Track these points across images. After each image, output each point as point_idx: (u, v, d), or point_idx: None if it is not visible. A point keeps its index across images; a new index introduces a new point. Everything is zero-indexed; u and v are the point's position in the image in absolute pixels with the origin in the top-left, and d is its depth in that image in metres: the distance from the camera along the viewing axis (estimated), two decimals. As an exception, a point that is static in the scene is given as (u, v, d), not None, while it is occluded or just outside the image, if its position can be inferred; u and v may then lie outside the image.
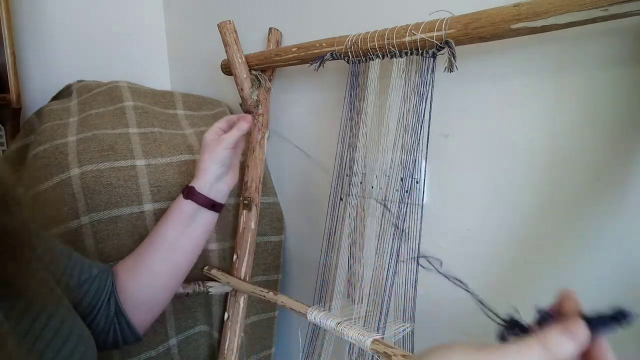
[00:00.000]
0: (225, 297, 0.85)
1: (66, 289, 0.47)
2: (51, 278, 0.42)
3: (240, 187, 0.86)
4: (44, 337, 0.36)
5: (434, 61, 0.56)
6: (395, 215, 0.60)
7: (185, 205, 0.56)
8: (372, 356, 0.59)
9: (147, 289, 0.56)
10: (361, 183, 0.67)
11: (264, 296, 0.74)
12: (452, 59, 0.52)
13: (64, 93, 0.96)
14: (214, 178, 0.58)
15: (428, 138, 0.58)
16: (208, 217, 0.58)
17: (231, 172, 0.63)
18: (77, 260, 0.52)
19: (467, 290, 0.48)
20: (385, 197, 0.62)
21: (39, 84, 1.00)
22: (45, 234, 0.49)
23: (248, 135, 0.70)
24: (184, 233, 0.56)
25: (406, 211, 0.60)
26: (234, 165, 0.63)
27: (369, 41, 0.60)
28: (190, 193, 0.57)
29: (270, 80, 0.85)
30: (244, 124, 0.60)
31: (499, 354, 0.28)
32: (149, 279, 0.55)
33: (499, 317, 0.37)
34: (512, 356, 0.27)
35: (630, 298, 0.51)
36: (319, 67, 0.68)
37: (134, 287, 0.55)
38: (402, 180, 0.60)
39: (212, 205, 0.58)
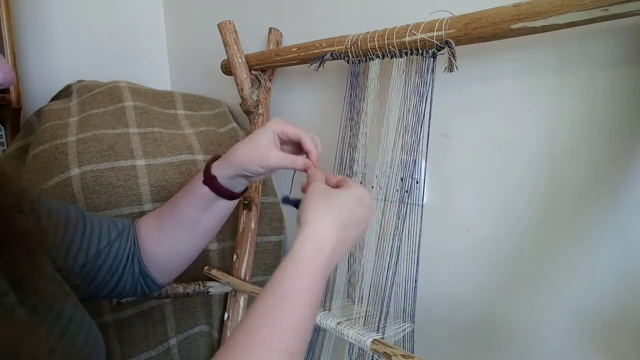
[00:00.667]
0: (225, 297, 0.85)
1: (80, 268, 0.48)
2: (58, 273, 0.43)
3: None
4: (54, 335, 0.36)
5: (434, 61, 0.56)
6: (395, 215, 0.60)
7: (202, 190, 0.54)
8: (372, 356, 0.59)
9: (168, 256, 0.57)
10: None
11: (264, 296, 0.74)
12: (452, 59, 0.52)
13: (64, 93, 0.96)
14: (234, 176, 0.54)
15: (428, 138, 0.58)
16: (222, 205, 0.57)
17: (260, 176, 0.58)
18: (94, 226, 0.52)
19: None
20: (385, 197, 0.62)
21: (39, 84, 1.00)
22: (58, 206, 0.49)
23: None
24: (204, 213, 0.56)
25: (406, 211, 0.60)
26: (266, 173, 0.58)
27: (369, 41, 0.60)
28: (210, 181, 0.54)
29: (270, 80, 0.85)
30: (300, 164, 0.54)
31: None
32: (171, 248, 0.57)
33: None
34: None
35: (630, 296, 0.51)
36: (319, 67, 0.67)
37: (157, 252, 0.56)
38: (402, 180, 0.60)
39: (232, 197, 0.56)
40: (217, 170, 0.54)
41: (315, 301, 0.39)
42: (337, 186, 0.48)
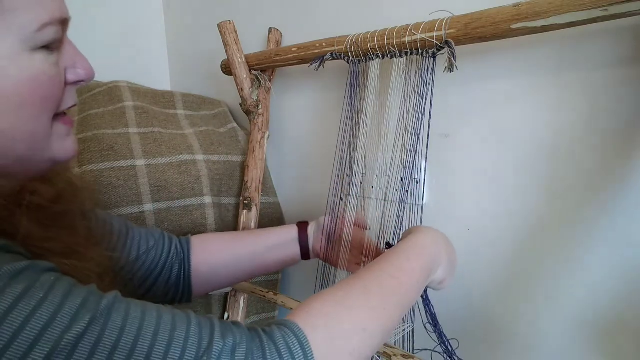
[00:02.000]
0: (225, 297, 0.85)
1: (120, 270, 0.52)
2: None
3: (240, 187, 0.86)
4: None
5: (434, 61, 0.56)
6: (395, 215, 0.60)
7: (291, 229, 0.66)
8: (372, 356, 0.59)
9: (220, 263, 0.62)
10: (361, 183, 0.67)
11: (264, 296, 0.74)
12: (452, 58, 0.52)
13: (64, 93, 0.96)
14: (318, 233, 0.66)
15: (428, 138, 0.58)
16: (293, 250, 0.66)
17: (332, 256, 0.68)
18: (135, 234, 0.56)
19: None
20: (385, 197, 0.62)
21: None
22: (104, 216, 0.53)
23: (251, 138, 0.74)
24: (273, 249, 0.65)
25: (406, 211, 0.60)
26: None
27: (369, 41, 0.60)
28: (301, 225, 0.67)
29: (270, 80, 0.85)
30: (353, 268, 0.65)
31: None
32: (229, 257, 0.62)
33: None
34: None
35: (630, 296, 0.51)
36: (319, 67, 0.67)
37: (216, 258, 0.62)
38: (402, 180, 0.60)
39: (304, 245, 0.66)
40: (311, 226, 0.67)
41: (414, 286, 0.43)
42: None
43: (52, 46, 0.34)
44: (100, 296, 0.30)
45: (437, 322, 0.56)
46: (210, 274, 0.62)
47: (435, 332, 0.56)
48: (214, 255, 0.62)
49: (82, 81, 0.38)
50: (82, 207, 0.42)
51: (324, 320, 0.36)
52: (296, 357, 0.32)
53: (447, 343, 0.56)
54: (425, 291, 0.55)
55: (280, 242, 0.65)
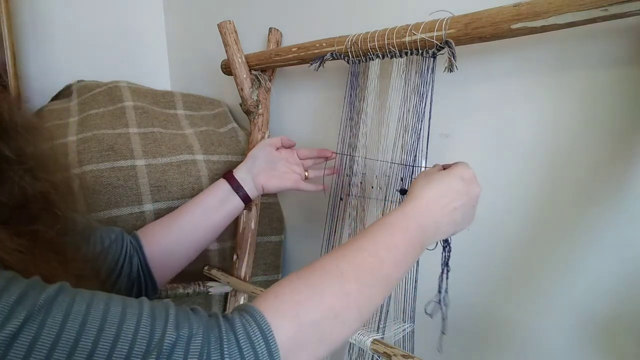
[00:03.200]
0: (225, 297, 0.85)
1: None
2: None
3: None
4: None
5: (434, 61, 0.56)
6: (395, 215, 0.60)
7: (221, 185, 0.67)
8: (372, 356, 0.59)
9: (174, 246, 0.63)
10: (361, 183, 0.67)
11: (264, 296, 0.74)
12: (452, 59, 0.52)
13: (64, 93, 0.96)
14: (246, 169, 0.68)
15: (428, 138, 0.58)
16: (234, 203, 0.67)
17: (273, 176, 0.69)
18: (97, 228, 0.57)
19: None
20: (385, 197, 0.62)
21: (39, 84, 1.00)
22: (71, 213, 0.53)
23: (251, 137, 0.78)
24: (213, 210, 0.65)
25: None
26: (281, 174, 0.70)
27: (369, 41, 0.60)
28: (227, 175, 0.67)
29: (270, 80, 0.85)
30: (286, 141, 0.71)
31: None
32: (175, 238, 0.63)
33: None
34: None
35: (630, 296, 0.51)
36: (319, 67, 0.67)
37: (161, 243, 0.62)
38: (402, 180, 0.60)
39: (242, 194, 0.67)
40: (237, 173, 0.67)
41: (400, 262, 0.41)
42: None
43: None
44: (40, 289, 0.28)
45: (448, 269, 0.56)
46: (166, 258, 0.62)
47: (440, 279, 0.56)
48: (160, 241, 0.62)
49: None
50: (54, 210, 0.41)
51: (292, 307, 0.33)
52: (257, 349, 0.30)
53: (443, 295, 0.56)
54: (447, 241, 0.55)
55: (216, 203, 0.65)
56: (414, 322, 0.61)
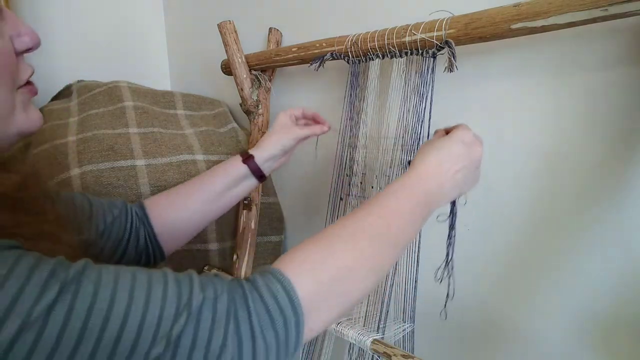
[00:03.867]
0: (225, 297, 0.85)
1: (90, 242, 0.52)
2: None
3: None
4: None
5: (434, 61, 0.56)
6: (395, 215, 0.60)
7: (240, 168, 0.64)
8: (372, 356, 0.59)
9: (182, 222, 0.62)
10: (361, 183, 0.67)
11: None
12: (452, 59, 0.52)
13: (64, 93, 0.96)
14: (271, 156, 0.66)
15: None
16: (251, 184, 0.66)
17: (286, 156, 0.69)
18: (98, 206, 0.56)
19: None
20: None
21: (39, 84, 1.00)
22: (65, 195, 0.52)
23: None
24: (229, 190, 0.64)
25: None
26: (292, 150, 0.69)
27: (369, 41, 0.60)
28: (248, 159, 0.65)
29: (270, 80, 0.85)
30: (318, 130, 0.67)
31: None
32: (188, 215, 0.62)
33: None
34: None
35: (630, 296, 0.51)
36: (319, 67, 0.68)
37: (173, 216, 0.61)
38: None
39: (260, 176, 0.65)
40: (254, 152, 0.65)
41: (407, 227, 0.42)
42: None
43: None
44: (68, 265, 0.29)
45: (455, 230, 0.56)
46: (173, 230, 0.62)
47: (448, 242, 0.57)
48: (169, 215, 0.61)
49: (30, 49, 0.37)
50: (46, 190, 0.42)
51: (308, 265, 0.35)
52: (281, 302, 0.32)
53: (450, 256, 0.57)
54: (454, 203, 0.55)
55: (232, 184, 0.64)
56: (414, 322, 0.61)
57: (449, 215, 0.56)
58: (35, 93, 0.39)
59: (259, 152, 0.65)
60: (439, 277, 0.57)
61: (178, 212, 0.62)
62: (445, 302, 0.58)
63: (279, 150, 0.65)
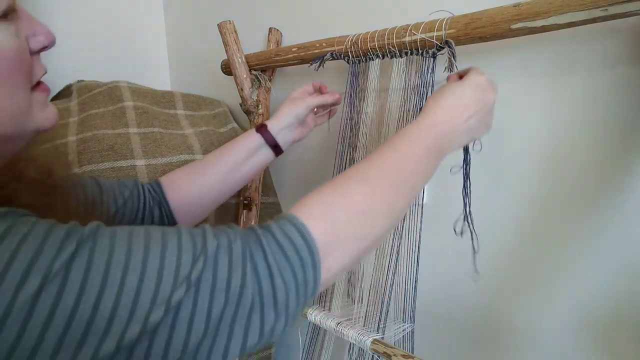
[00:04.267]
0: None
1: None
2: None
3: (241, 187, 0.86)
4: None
5: (434, 61, 0.56)
6: (395, 215, 0.60)
7: (253, 137, 0.64)
8: (372, 356, 0.59)
9: (200, 197, 0.62)
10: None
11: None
12: (452, 58, 0.52)
13: (64, 93, 0.96)
14: (285, 125, 0.65)
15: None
16: (266, 155, 0.65)
17: (301, 128, 0.68)
18: (108, 188, 0.56)
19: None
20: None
21: (39, 84, 1.00)
22: (73, 179, 0.52)
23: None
24: (245, 161, 0.64)
25: (406, 211, 0.59)
26: (308, 124, 0.69)
27: (369, 41, 0.60)
28: (261, 128, 0.64)
29: (270, 80, 0.85)
30: (330, 98, 0.66)
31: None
32: (205, 189, 0.62)
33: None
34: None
35: (630, 296, 0.51)
36: (319, 67, 0.68)
37: (190, 191, 0.61)
38: (402, 180, 0.60)
39: (275, 146, 0.65)
40: (269, 123, 0.65)
41: (420, 170, 0.43)
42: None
43: (7, 17, 0.33)
44: (82, 227, 0.30)
45: (470, 180, 0.55)
46: (191, 207, 0.61)
47: (464, 192, 0.56)
48: (187, 190, 0.61)
49: (46, 47, 0.38)
50: (65, 177, 0.42)
51: (321, 207, 0.35)
52: (296, 242, 0.32)
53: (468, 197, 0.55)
54: (467, 151, 0.55)
55: (248, 154, 0.64)
56: (414, 322, 0.61)
57: (463, 165, 0.55)
58: (48, 91, 0.40)
59: (272, 121, 0.65)
60: (459, 231, 0.56)
61: (194, 187, 0.61)
62: (474, 259, 0.57)
63: (293, 118, 0.64)
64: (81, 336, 0.25)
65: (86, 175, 0.71)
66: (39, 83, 0.38)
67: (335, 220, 0.35)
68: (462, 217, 0.56)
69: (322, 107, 0.69)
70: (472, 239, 0.56)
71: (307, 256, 0.33)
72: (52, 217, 0.31)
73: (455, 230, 0.57)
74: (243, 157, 0.63)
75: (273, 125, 0.64)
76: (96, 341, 0.26)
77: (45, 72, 0.39)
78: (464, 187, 0.56)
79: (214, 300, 0.29)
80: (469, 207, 0.56)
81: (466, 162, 0.55)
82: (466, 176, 0.55)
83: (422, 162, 0.43)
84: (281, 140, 0.65)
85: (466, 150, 0.55)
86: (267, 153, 0.65)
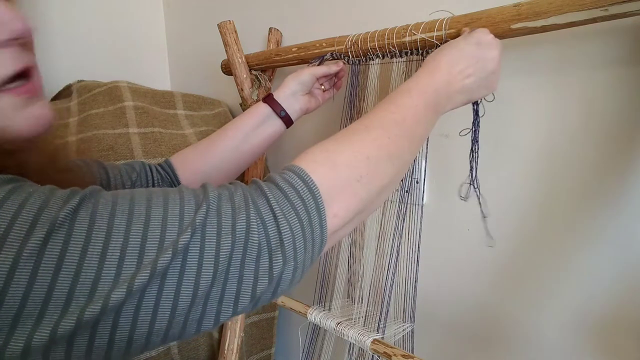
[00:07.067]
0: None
1: None
2: None
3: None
4: None
5: (434, 61, 0.56)
6: (395, 215, 0.60)
7: (261, 107, 0.64)
8: (372, 356, 0.59)
9: (213, 171, 0.62)
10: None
11: (264, 296, 0.74)
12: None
13: (64, 93, 0.96)
14: (290, 92, 0.64)
15: (428, 138, 0.58)
16: (275, 125, 0.65)
17: (308, 97, 0.67)
18: (115, 172, 0.55)
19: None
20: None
21: (39, 84, 1.00)
22: (78, 162, 0.52)
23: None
24: (255, 132, 0.64)
25: (406, 211, 0.60)
26: (315, 95, 0.68)
27: (369, 41, 0.60)
28: (267, 97, 0.64)
29: (270, 80, 0.85)
30: (334, 67, 0.65)
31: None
32: (217, 162, 0.62)
33: None
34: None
35: (630, 295, 0.51)
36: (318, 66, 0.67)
37: (202, 167, 0.61)
38: (402, 180, 0.60)
39: (282, 113, 0.64)
40: (274, 93, 0.64)
41: (421, 121, 0.42)
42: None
43: None
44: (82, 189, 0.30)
45: (478, 144, 0.55)
46: (202, 180, 0.60)
47: (471, 156, 0.55)
48: (198, 167, 0.61)
49: (16, 39, 0.33)
50: (71, 161, 0.42)
51: (324, 154, 0.36)
52: (298, 188, 0.32)
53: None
54: (476, 105, 0.54)
55: (256, 124, 0.64)
56: (414, 322, 0.61)
57: (472, 128, 0.54)
58: (33, 92, 0.36)
59: (278, 90, 0.65)
60: (464, 196, 0.56)
61: (206, 160, 0.61)
62: (486, 229, 0.57)
63: (297, 84, 0.64)
64: (92, 284, 0.26)
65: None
66: (19, 79, 0.34)
67: (338, 164, 0.35)
68: (468, 181, 0.56)
69: (327, 77, 0.68)
70: (479, 203, 0.56)
71: (310, 199, 0.32)
72: None
73: (460, 196, 0.57)
74: (251, 127, 0.63)
75: (279, 93, 0.64)
76: (107, 289, 0.26)
77: (26, 68, 0.34)
78: (472, 150, 0.55)
79: (220, 243, 0.29)
80: (476, 171, 0.55)
81: (475, 124, 0.54)
82: (474, 140, 0.55)
83: (422, 114, 0.42)
84: (289, 108, 0.64)
85: (476, 112, 0.54)
86: (276, 123, 0.64)
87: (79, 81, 0.97)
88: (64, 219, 0.26)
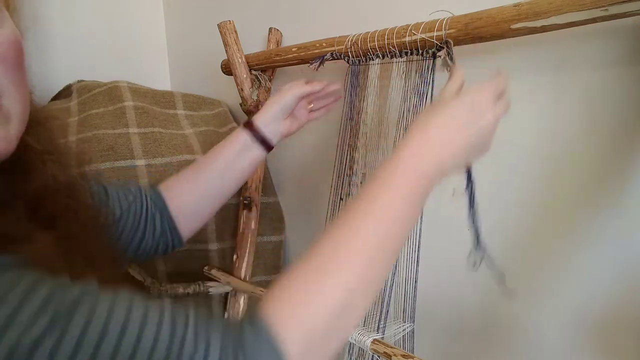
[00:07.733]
0: (225, 297, 0.85)
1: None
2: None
3: (240, 187, 0.86)
4: None
5: (433, 61, 0.56)
6: (395, 215, 0.60)
7: (240, 136, 0.63)
8: (372, 356, 0.59)
9: (201, 200, 0.62)
10: (361, 183, 0.67)
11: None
12: (447, 57, 0.52)
13: (64, 93, 0.96)
14: (271, 117, 0.63)
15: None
16: (257, 153, 0.64)
17: (291, 120, 0.65)
18: (113, 191, 0.56)
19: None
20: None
21: (39, 84, 1.00)
22: (85, 182, 0.52)
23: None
24: (236, 159, 0.63)
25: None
26: (298, 117, 0.66)
27: (369, 41, 0.60)
28: (247, 124, 0.63)
29: (270, 80, 0.85)
30: (317, 86, 0.64)
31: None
32: (202, 192, 0.61)
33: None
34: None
35: (630, 296, 0.51)
36: (319, 66, 0.67)
37: (189, 198, 0.61)
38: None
39: (262, 140, 0.63)
40: (255, 118, 0.63)
41: (404, 222, 0.39)
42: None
43: None
44: (65, 291, 0.28)
45: (476, 208, 0.48)
46: (192, 211, 0.61)
47: (470, 220, 0.48)
48: (183, 199, 0.61)
49: None
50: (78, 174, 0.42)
51: (296, 314, 0.33)
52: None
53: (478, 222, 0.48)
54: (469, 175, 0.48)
55: (237, 152, 0.62)
56: (414, 322, 0.61)
57: (467, 187, 0.48)
58: None
59: (258, 115, 0.63)
60: (474, 265, 0.49)
61: (190, 195, 0.61)
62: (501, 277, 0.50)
63: (278, 108, 0.62)
64: None
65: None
66: None
67: (314, 328, 0.33)
68: (474, 246, 0.49)
69: (312, 96, 0.66)
70: (495, 273, 0.49)
71: None
72: (73, 218, 0.30)
73: (471, 265, 0.50)
74: (232, 158, 0.62)
75: (259, 119, 0.63)
76: None
77: None
78: (470, 208, 0.48)
79: None
80: (481, 232, 0.49)
81: (470, 182, 0.48)
82: (471, 199, 0.48)
83: (408, 210, 0.39)
84: (269, 134, 0.63)
85: (469, 174, 0.48)
86: (257, 151, 0.63)
87: (79, 81, 0.97)
88: (22, 351, 0.25)
